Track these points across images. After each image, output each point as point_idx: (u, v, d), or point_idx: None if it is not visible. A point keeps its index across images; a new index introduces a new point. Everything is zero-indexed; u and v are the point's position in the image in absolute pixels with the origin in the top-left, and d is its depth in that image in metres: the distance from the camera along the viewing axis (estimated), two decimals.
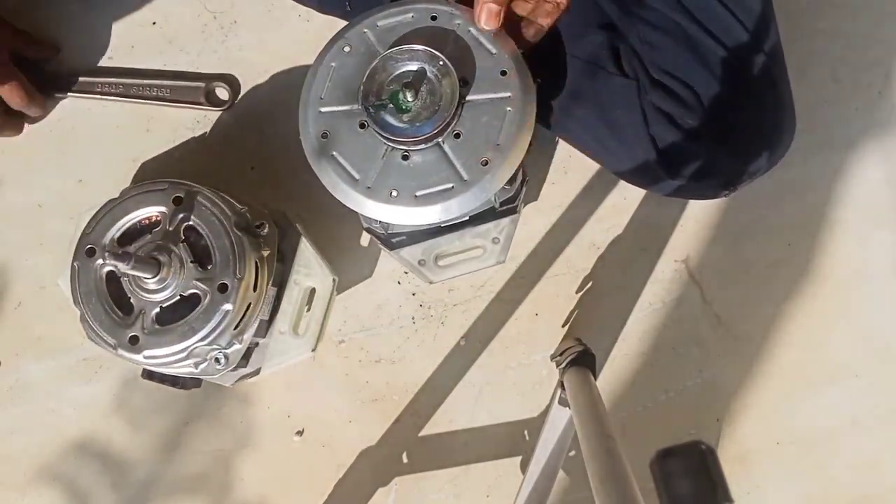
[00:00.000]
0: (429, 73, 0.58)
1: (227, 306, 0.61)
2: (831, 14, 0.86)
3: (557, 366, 0.72)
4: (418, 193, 0.58)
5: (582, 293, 0.82)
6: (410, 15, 0.61)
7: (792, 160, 0.72)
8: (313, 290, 0.70)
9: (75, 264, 0.63)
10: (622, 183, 0.83)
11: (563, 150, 0.82)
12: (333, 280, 0.70)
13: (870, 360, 0.82)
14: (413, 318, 0.82)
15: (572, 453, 0.77)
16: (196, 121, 0.83)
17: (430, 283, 0.70)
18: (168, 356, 0.61)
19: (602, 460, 0.51)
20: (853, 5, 0.86)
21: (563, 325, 0.82)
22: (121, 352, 0.61)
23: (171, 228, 0.62)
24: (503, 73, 0.59)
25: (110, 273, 0.63)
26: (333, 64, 0.61)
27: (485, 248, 0.67)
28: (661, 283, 0.82)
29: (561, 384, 0.69)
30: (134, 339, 0.61)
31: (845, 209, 0.84)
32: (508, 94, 0.59)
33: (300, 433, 0.80)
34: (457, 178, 0.58)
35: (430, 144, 0.58)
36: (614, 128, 0.70)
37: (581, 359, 0.69)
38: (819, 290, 0.83)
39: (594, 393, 0.63)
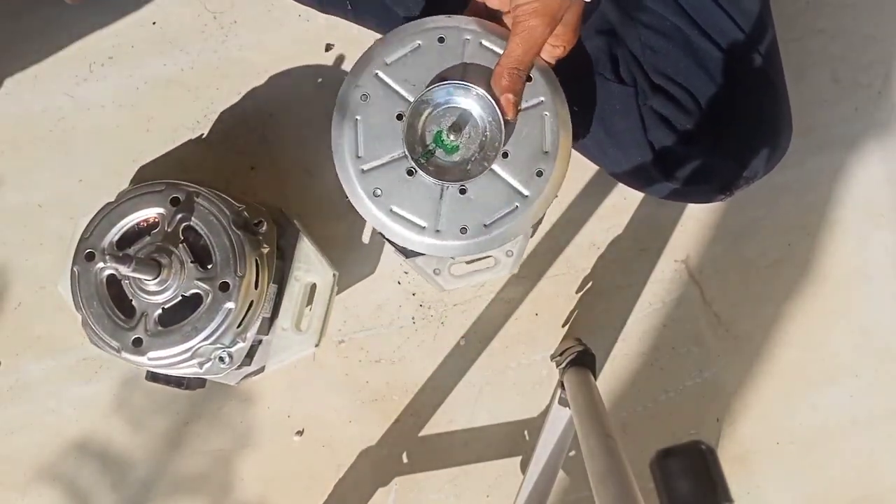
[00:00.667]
0: (465, 107, 0.58)
1: (230, 305, 0.61)
2: (831, 14, 0.86)
3: (557, 366, 0.72)
4: (487, 222, 0.58)
5: (582, 293, 0.82)
6: (417, 43, 0.60)
7: (792, 161, 0.72)
8: (314, 286, 0.70)
9: (75, 269, 0.63)
10: (621, 184, 0.83)
11: None
12: (334, 275, 0.70)
13: (870, 360, 0.82)
14: (413, 318, 0.82)
15: (572, 453, 0.77)
16: (196, 121, 0.83)
17: (443, 290, 0.71)
18: (172, 357, 0.61)
19: (602, 460, 0.51)
20: (853, 5, 0.86)
21: (563, 325, 0.82)
22: (125, 355, 0.61)
23: (169, 229, 0.62)
24: (528, 79, 0.58)
25: (111, 276, 0.63)
26: (358, 117, 0.59)
27: (498, 260, 0.67)
28: (661, 283, 0.82)
29: (561, 384, 0.69)
30: (137, 342, 0.61)
31: (845, 209, 0.84)
32: (541, 98, 0.59)
33: (300, 433, 0.80)
34: (518, 196, 0.58)
35: (482, 172, 0.58)
36: (612, 133, 0.70)
37: (581, 359, 0.69)
38: (819, 290, 0.83)
39: (594, 393, 0.63)
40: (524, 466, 0.79)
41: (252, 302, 0.63)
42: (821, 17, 0.86)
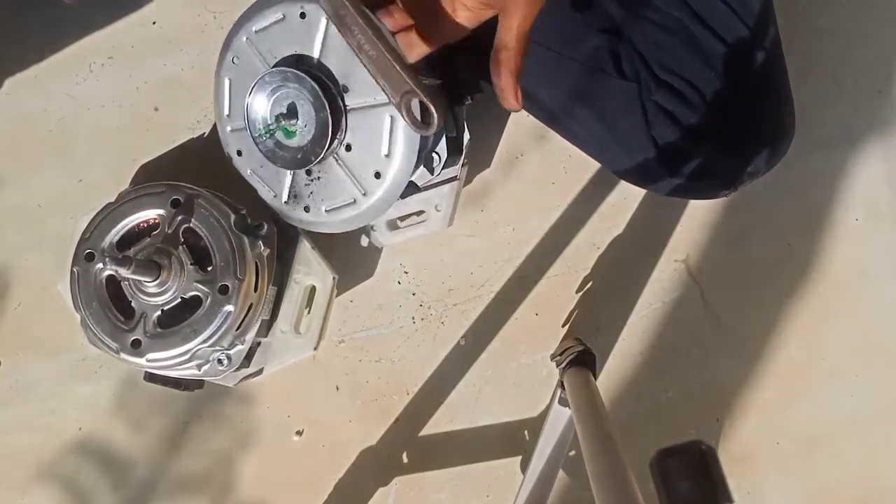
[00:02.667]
0: (303, 94, 0.57)
1: (229, 307, 0.61)
2: (831, 14, 0.86)
3: (557, 366, 0.72)
4: (326, 208, 0.60)
5: (582, 293, 0.82)
6: (281, 14, 0.59)
7: (792, 160, 0.72)
8: (313, 289, 0.70)
9: (75, 269, 0.63)
10: (622, 183, 0.83)
11: (564, 149, 0.82)
12: (333, 278, 0.70)
13: (870, 360, 0.82)
14: (413, 318, 0.82)
15: (572, 453, 0.77)
16: (196, 121, 0.83)
17: (382, 246, 0.72)
18: (171, 359, 0.61)
19: (602, 460, 0.51)
20: (853, 5, 0.86)
21: (563, 325, 0.82)
22: (123, 356, 0.61)
23: (170, 231, 0.62)
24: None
25: (110, 277, 0.63)
26: (229, 77, 0.61)
27: (429, 215, 0.69)
28: (661, 283, 0.82)
29: (561, 384, 0.69)
30: (136, 343, 0.61)
31: (845, 209, 0.84)
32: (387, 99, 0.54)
33: (300, 433, 0.80)
34: (357, 191, 0.59)
35: (324, 158, 0.58)
36: (615, 130, 0.70)
37: (581, 359, 0.69)
38: (819, 290, 0.83)
39: (594, 393, 0.63)
40: (524, 466, 0.79)
41: (251, 305, 0.63)
42: (821, 17, 0.86)
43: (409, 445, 0.80)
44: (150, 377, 0.68)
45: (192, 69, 0.84)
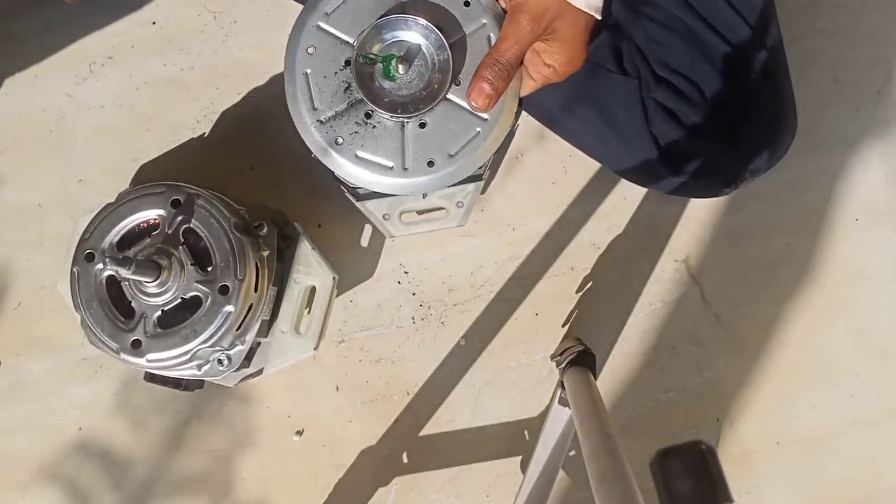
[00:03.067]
0: (410, 40, 0.58)
1: (229, 308, 0.61)
2: (831, 14, 0.86)
3: (557, 366, 0.72)
4: (452, 152, 0.58)
5: (582, 293, 0.82)
6: None
7: (792, 160, 0.72)
8: (314, 289, 0.70)
9: (75, 270, 0.63)
10: (622, 183, 0.83)
11: (564, 149, 0.82)
12: (333, 278, 0.70)
13: (870, 360, 0.82)
14: (413, 318, 0.82)
15: (572, 453, 0.77)
16: (196, 121, 0.83)
17: (392, 237, 0.71)
18: (171, 359, 0.61)
19: (602, 460, 0.51)
20: (853, 5, 0.86)
21: (563, 325, 0.82)
22: (123, 356, 0.61)
23: (170, 231, 0.62)
24: (467, 5, 0.58)
25: (110, 277, 0.63)
26: (308, 71, 0.60)
27: (448, 210, 0.68)
28: (661, 283, 0.82)
29: (561, 384, 0.69)
30: (136, 343, 0.61)
31: (845, 209, 0.84)
32: (483, 21, 0.59)
33: (300, 433, 0.80)
34: (477, 120, 0.58)
35: (436, 102, 0.57)
36: (615, 126, 0.70)
37: (581, 359, 0.69)
38: (819, 290, 0.83)
39: (594, 393, 0.63)
40: (524, 466, 0.79)
41: (251, 305, 0.63)
42: (821, 17, 0.86)
43: (409, 445, 0.81)
44: (150, 377, 0.68)
45: (192, 69, 0.84)
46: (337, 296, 0.71)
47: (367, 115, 0.58)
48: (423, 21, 0.57)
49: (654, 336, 0.82)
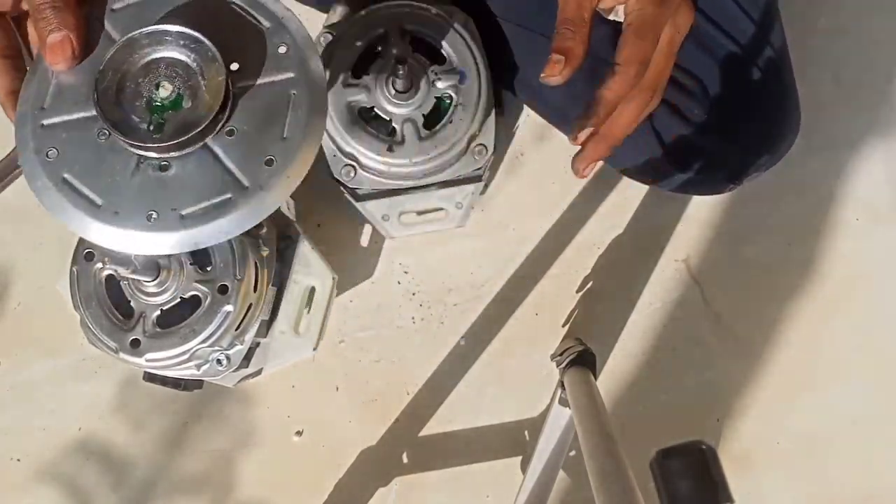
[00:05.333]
0: (187, 61, 0.45)
1: (228, 308, 0.61)
2: (831, 14, 0.86)
3: (557, 366, 0.72)
4: (185, 212, 0.44)
5: (582, 293, 0.82)
6: None
7: (792, 160, 0.71)
8: (313, 289, 0.70)
9: (74, 269, 0.63)
10: (622, 183, 0.83)
11: (564, 149, 0.82)
12: (333, 278, 0.70)
13: (870, 360, 0.82)
14: (413, 318, 0.82)
15: (572, 453, 0.77)
16: None
17: (391, 237, 0.70)
18: (170, 359, 0.61)
19: (602, 460, 0.51)
20: (854, 5, 0.86)
21: (563, 325, 0.82)
22: (122, 355, 0.61)
23: None
24: (283, 49, 0.46)
25: (110, 277, 0.63)
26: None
27: (447, 211, 0.67)
28: (661, 283, 0.82)
29: (561, 384, 0.69)
30: (135, 343, 0.61)
31: (845, 209, 0.84)
32: (290, 74, 0.46)
33: (300, 433, 0.80)
34: (235, 185, 0.44)
35: (194, 148, 0.44)
36: None
37: (581, 359, 0.69)
38: (819, 290, 0.83)
39: (594, 393, 0.63)
40: (524, 466, 0.79)
41: (251, 305, 0.63)
42: (821, 17, 0.86)
43: (409, 445, 0.80)
44: (150, 377, 0.68)
45: None
46: (337, 296, 0.71)
47: (103, 135, 0.45)
48: (184, 31, 0.44)
49: (654, 336, 0.82)
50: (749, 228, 0.83)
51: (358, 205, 0.67)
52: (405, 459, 0.80)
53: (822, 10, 0.86)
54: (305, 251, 0.70)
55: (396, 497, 0.80)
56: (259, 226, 0.66)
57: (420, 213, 0.70)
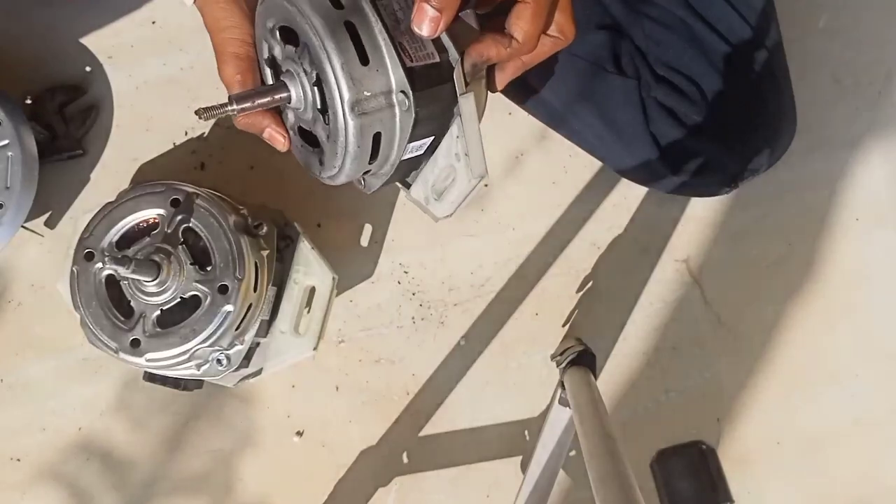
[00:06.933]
0: None
1: (228, 307, 0.61)
2: (831, 14, 0.86)
3: (558, 366, 0.72)
4: None
5: (582, 293, 0.82)
6: None
7: (792, 160, 0.72)
8: (313, 289, 0.70)
9: (74, 269, 0.63)
10: (622, 183, 0.83)
11: (564, 149, 0.82)
12: (333, 278, 0.70)
13: (870, 360, 0.82)
14: (413, 318, 0.82)
15: (572, 453, 0.77)
16: (196, 121, 0.83)
17: (438, 219, 0.60)
18: (170, 359, 0.61)
19: (602, 460, 0.51)
20: (853, 5, 0.86)
21: (563, 325, 0.82)
22: (122, 355, 0.61)
23: (169, 231, 0.62)
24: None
25: (110, 277, 0.63)
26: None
27: (456, 170, 0.53)
28: (662, 283, 0.82)
29: (561, 384, 0.69)
30: (135, 343, 0.61)
31: (845, 209, 0.84)
32: (6, 141, 0.65)
33: (300, 433, 0.80)
34: None
35: None
36: (615, 127, 0.70)
37: (581, 359, 0.69)
38: (819, 290, 0.83)
39: (594, 393, 0.63)
40: (524, 466, 0.79)
41: (251, 305, 0.63)
42: (821, 17, 0.86)
43: (409, 445, 0.80)
44: (150, 377, 0.68)
45: (192, 69, 0.84)
46: (337, 296, 0.71)
47: None
48: None
49: (654, 336, 0.82)
50: (749, 228, 0.83)
51: (405, 193, 0.56)
52: (405, 459, 0.80)
53: (822, 10, 0.86)
54: (305, 251, 0.70)
55: (396, 497, 0.80)
56: (259, 225, 0.66)
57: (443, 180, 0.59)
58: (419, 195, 0.56)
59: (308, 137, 0.52)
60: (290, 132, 0.52)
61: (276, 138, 0.50)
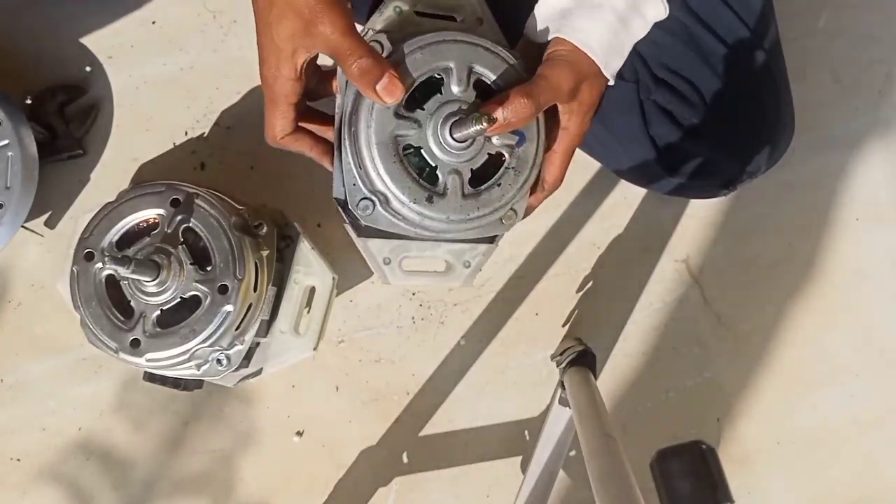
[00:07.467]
0: None
1: (228, 307, 0.61)
2: (831, 14, 0.86)
3: (558, 365, 0.72)
4: None
5: (582, 293, 0.82)
6: None
7: (792, 160, 0.72)
8: (313, 289, 0.70)
9: (74, 269, 0.63)
10: (622, 182, 0.83)
11: None
12: (333, 278, 0.70)
13: (870, 360, 0.82)
14: (413, 318, 0.82)
15: (572, 453, 0.77)
16: (196, 121, 0.83)
17: (387, 283, 0.65)
18: (170, 359, 0.61)
19: (602, 460, 0.51)
20: (853, 5, 0.86)
21: (563, 325, 0.82)
22: (122, 355, 0.61)
23: (169, 231, 0.62)
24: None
25: (110, 277, 0.62)
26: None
27: (454, 268, 0.61)
28: (662, 283, 0.82)
29: (561, 384, 0.69)
30: (135, 343, 0.61)
31: (846, 209, 0.84)
32: (6, 141, 0.68)
33: (300, 433, 0.80)
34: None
35: None
36: (613, 130, 0.70)
37: (581, 359, 0.69)
38: (819, 289, 0.83)
39: (594, 393, 0.63)
40: (524, 466, 0.79)
41: (251, 305, 0.63)
42: (821, 17, 0.86)
43: (409, 445, 0.80)
44: (150, 377, 0.68)
45: (192, 69, 0.84)
46: (337, 296, 0.71)
47: None
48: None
49: (654, 336, 0.82)
50: (749, 228, 0.83)
51: (359, 240, 0.60)
52: (405, 459, 0.80)
53: (822, 10, 0.86)
54: (305, 251, 0.70)
55: (396, 497, 0.80)
56: (259, 225, 0.66)
57: (424, 260, 0.61)
58: (379, 253, 0.60)
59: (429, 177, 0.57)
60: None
61: (396, 85, 0.51)
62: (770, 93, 0.68)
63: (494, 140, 0.56)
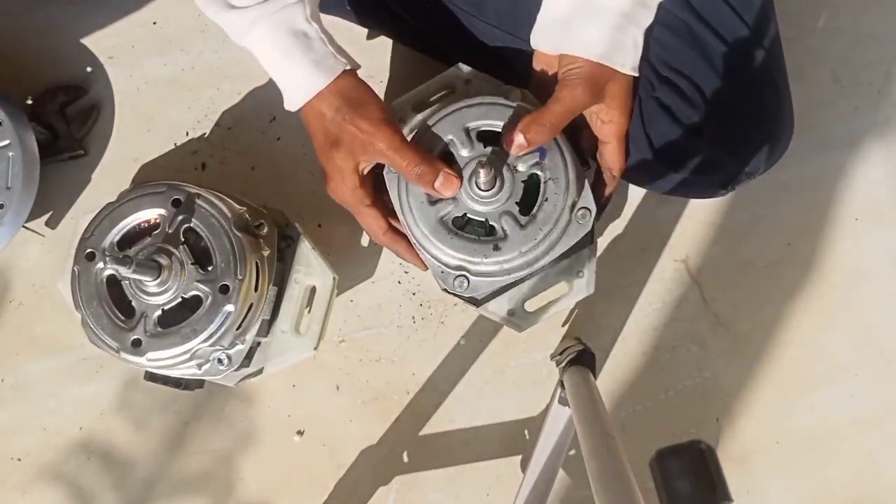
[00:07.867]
0: None
1: (229, 307, 0.61)
2: (831, 14, 0.86)
3: (557, 365, 0.72)
4: None
5: None
6: None
7: (792, 160, 0.72)
8: (314, 289, 0.70)
9: (75, 268, 0.63)
10: (622, 183, 0.83)
11: None
12: (334, 278, 0.70)
13: (870, 360, 0.82)
14: (413, 318, 0.82)
15: (572, 453, 0.77)
16: (196, 121, 0.83)
17: (522, 330, 0.67)
18: (171, 358, 0.61)
19: (602, 459, 0.51)
20: (853, 5, 0.86)
21: (563, 325, 0.82)
22: (124, 355, 0.61)
23: (170, 231, 0.62)
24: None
25: (111, 277, 0.63)
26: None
27: (571, 284, 0.65)
28: (661, 283, 0.82)
29: (561, 383, 0.69)
30: (136, 343, 0.61)
31: (845, 209, 0.84)
32: (7, 141, 0.70)
33: (301, 432, 0.80)
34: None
35: None
36: None
37: (581, 358, 0.69)
38: (819, 289, 0.83)
39: (594, 392, 0.63)
40: (524, 466, 0.80)
41: (252, 304, 0.63)
42: (821, 16, 0.86)
43: (409, 445, 0.81)
44: (151, 376, 0.68)
45: (192, 69, 0.84)
46: (337, 295, 0.71)
47: None
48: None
49: (654, 336, 0.82)
50: (749, 228, 0.83)
51: (480, 310, 0.64)
52: (405, 459, 0.80)
53: (822, 9, 0.86)
54: (306, 251, 0.70)
55: (396, 497, 0.80)
56: (260, 225, 0.66)
57: (544, 294, 0.66)
58: (500, 310, 0.63)
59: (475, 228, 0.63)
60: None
61: (452, 181, 0.59)
62: (770, 91, 0.68)
63: (520, 167, 0.60)
